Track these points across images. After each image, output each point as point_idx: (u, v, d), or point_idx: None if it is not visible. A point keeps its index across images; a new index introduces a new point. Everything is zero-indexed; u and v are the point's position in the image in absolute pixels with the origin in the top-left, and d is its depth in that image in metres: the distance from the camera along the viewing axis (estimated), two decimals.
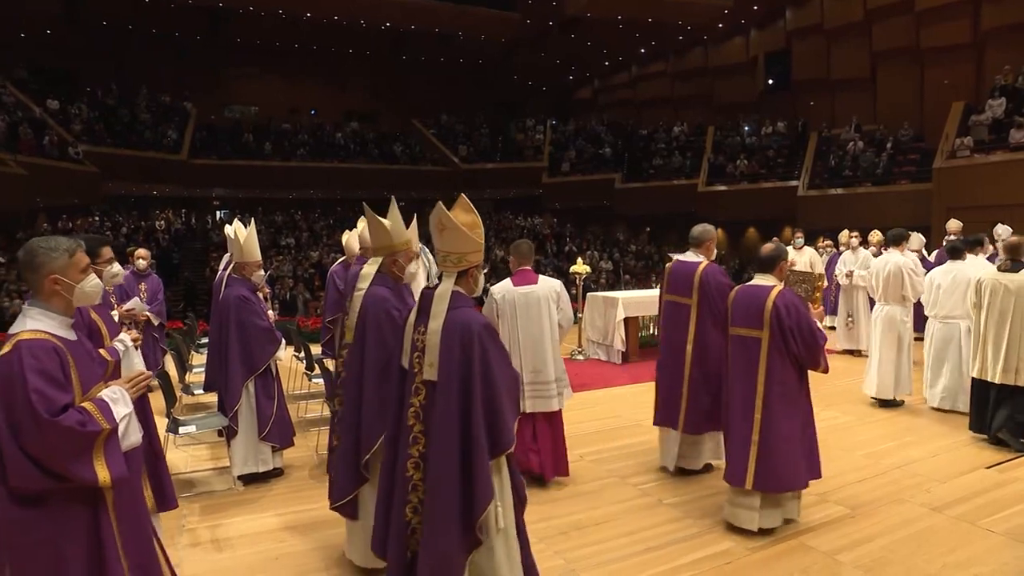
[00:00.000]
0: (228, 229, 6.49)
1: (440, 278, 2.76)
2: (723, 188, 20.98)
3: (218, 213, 25.22)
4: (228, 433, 4.77)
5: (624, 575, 3.48)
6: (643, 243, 23.30)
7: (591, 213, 24.76)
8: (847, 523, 4.00)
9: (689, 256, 4.77)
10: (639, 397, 7.29)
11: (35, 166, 16.39)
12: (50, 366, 2.11)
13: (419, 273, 5.22)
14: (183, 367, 6.37)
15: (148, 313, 6.40)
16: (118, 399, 2.28)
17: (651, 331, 10.21)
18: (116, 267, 3.92)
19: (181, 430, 4.76)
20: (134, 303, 5.88)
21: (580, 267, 9.74)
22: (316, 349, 7.10)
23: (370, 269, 3.42)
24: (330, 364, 6.42)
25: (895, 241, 6.70)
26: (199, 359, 7.61)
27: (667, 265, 4.88)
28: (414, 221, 5.17)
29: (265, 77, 25.64)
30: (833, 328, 9.61)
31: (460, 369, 2.58)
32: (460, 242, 2.68)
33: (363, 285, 3.37)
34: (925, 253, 9.89)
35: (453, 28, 23.00)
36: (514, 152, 25.46)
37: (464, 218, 2.70)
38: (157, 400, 5.99)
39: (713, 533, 3.90)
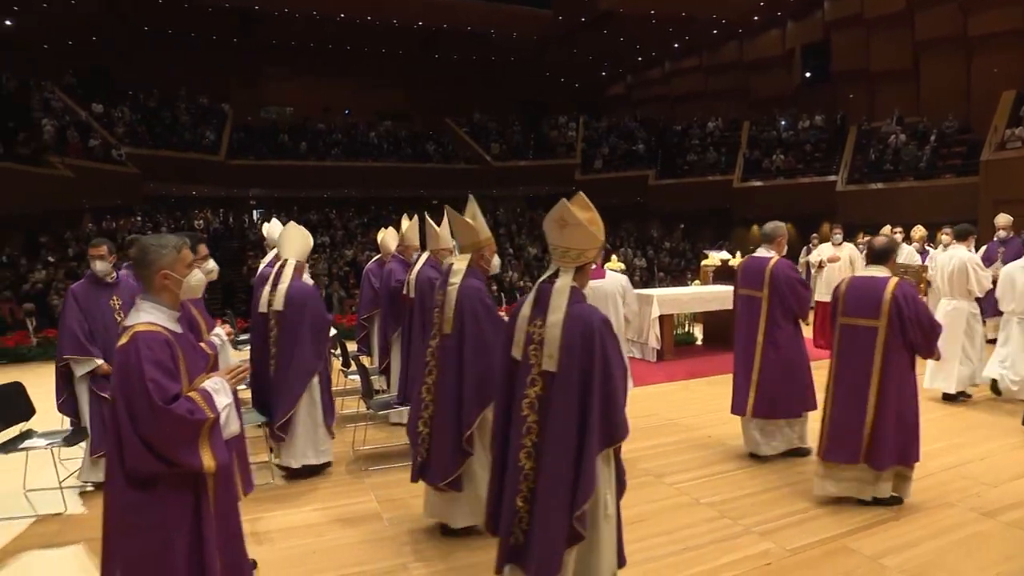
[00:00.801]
0: (266, 227, 6.58)
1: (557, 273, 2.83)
2: (759, 184, 20.62)
3: (254, 212, 25.68)
4: (284, 426, 4.81)
5: (661, 574, 3.44)
6: (677, 240, 23.04)
7: (624, 210, 24.56)
8: (891, 526, 3.89)
9: (761, 252, 5.07)
10: (674, 395, 7.21)
11: (81, 168, 16.91)
12: (163, 357, 2.26)
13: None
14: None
15: None
16: (220, 389, 2.41)
17: (686, 329, 10.11)
18: (211, 263, 4.03)
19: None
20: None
21: (615, 264, 9.66)
22: (351, 346, 7.17)
23: (461, 264, 3.69)
24: (366, 360, 6.48)
25: (961, 236, 6.71)
26: (237, 356, 7.74)
27: (740, 260, 5.16)
28: (445, 219, 5.18)
29: (300, 78, 26.02)
30: None
31: (581, 362, 2.65)
32: (581, 238, 2.74)
33: (456, 280, 3.63)
34: (972, 249, 9.55)
35: (485, 26, 23.02)
36: (547, 149, 25.40)
37: (584, 215, 2.76)
38: None
39: (752, 534, 3.83)
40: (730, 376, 5.20)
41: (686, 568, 3.47)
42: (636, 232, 23.81)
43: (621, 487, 2.87)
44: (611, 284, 4.90)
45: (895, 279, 4.06)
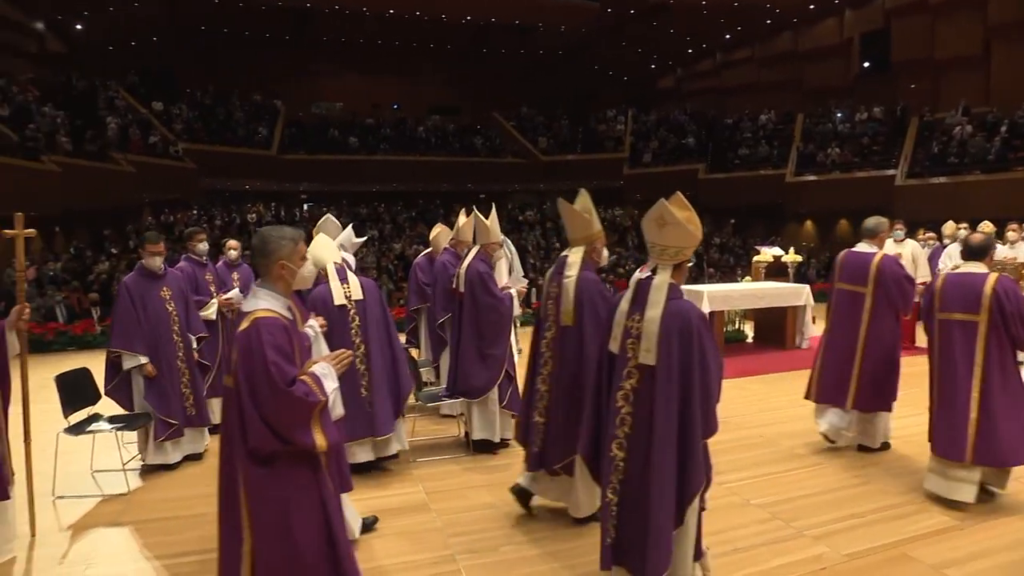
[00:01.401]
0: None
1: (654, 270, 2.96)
2: (813, 178, 20.01)
3: (304, 206, 26.23)
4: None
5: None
6: (727, 235, 22.57)
7: None
8: (956, 535, 3.74)
9: (863, 247, 5.08)
10: (725, 393, 7.04)
11: (142, 164, 17.60)
12: (282, 341, 2.39)
13: (502, 264, 5.23)
14: None
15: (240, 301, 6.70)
16: (327, 375, 2.51)
17: (736, 325, 9.91)
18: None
19: None
20: (234, 294, 6.21)
21: None
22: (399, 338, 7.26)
23: (575, 257, 3.77)
24: (414, 353, 6.55)
25: None
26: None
27: (840, 255, 5.22)
28: (492, 214, 5.18)
29: (350, 74, 26.43)
30: None
31: (680, 356, 2.77)
32: (679, 236, 2.86)
33: (572, 272, 3.71)
34: None
35: (533, 19, 22.94)
36: (595, 143, 25.20)
37: (682, 214, 2.86)
38: None
39: (805, 537, 3.73)
40: (782, 374, 5.11)
41: (735, 570, 3.40)
42: None
43: (708, 481, 2.91)
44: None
45: (995, 274, 4.09)
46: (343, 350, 2.70)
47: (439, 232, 6.79)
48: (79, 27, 20.96)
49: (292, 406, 2.34)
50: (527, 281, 4.59)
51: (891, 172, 18.19)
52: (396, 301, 13.85)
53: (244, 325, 2.40)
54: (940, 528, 3.81)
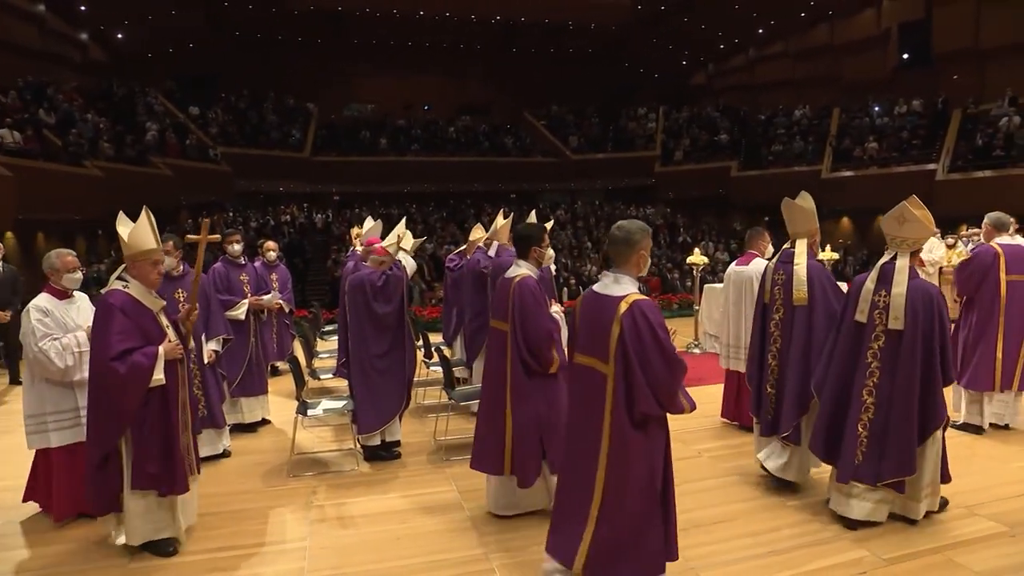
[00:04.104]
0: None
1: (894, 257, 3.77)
2: (849, 174, 19.56)
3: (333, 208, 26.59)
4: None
5: None
6: None
7: (705, 202, 23.88)
8: (1005, 542, 3.61)
9: (1006, 240, 5.50)
10: None
11: (179, 167, 18.03)
12: (662, 320, 2.83)
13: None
14: (310, 353, 6.74)
15: (280, 302, 6.81)
16: None
17: None
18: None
19: (309, 412, 5.04)
20: (268, 297, 6.32)
21: (697, 258, 9.43)
22: (435, 338, 7.31)
23: (801, 248, 4.34)
24: (448, 352, 6.58)
25: None
26: (323, 345, 8.04)
27: (993, 250, 5.50)
28: (527, 213, 5.15)
29: (381, 75, 26.69)
30: None
31: (924, 321, 3.62)
32: (916, 230, 3.72)
33: (801, 261, 4.30)
34: None
35: (563, 17, 22.90)
36: (625, 141, 25.03)
37: (919, 212, 3.70)
38: (288, 383, 6.38)
39: (843, 540, 3.65)
40: None
41: (772, 572, 3.34)
42: (717, 225, 23.12)
43: (947, 419, 3.72)
44: (752, 269, 5.36)
45: None
46: None
47: (476, 230, 6.89)
48: (120, 36, 21.56)
49: (677, 374, 2.79)
50: (558, 308, 4.67)
51: (931, 167, 17.66)
52: (428, 301, 13.94)
53: (623, 308, 2.78)
54: (986, 535, 3.69)
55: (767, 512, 4.04)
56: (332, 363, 6.49)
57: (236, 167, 20.40)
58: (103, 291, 3.60)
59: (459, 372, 6.32)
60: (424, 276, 15.62)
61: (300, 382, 5.01)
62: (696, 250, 9.84)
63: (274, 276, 7.12)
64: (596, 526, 2.86)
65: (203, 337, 4.94)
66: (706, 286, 9.41)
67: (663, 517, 2.87)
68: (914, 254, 3.78)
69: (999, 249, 5.45)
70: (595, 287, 3.00)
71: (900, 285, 3.65)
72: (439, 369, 5.94)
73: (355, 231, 7.36)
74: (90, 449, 3.51)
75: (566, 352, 3.40)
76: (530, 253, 3.95)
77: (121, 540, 3.60)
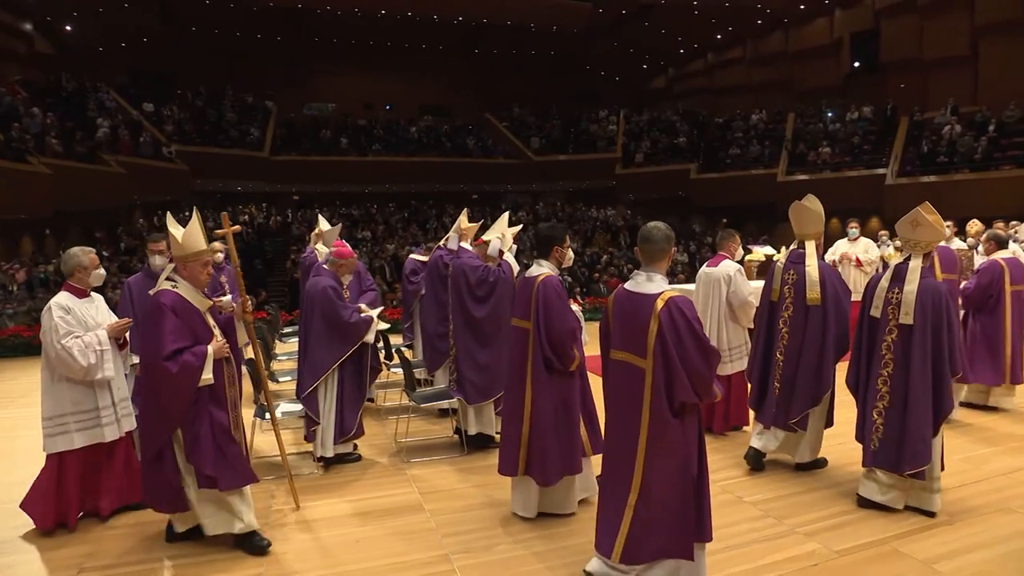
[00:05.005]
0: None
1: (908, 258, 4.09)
2: (804, 177, 20.07)
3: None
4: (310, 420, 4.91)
5: None
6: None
7: (666, 204, 24.25)
8: (946, 530, 3.78)
9: (1005, 253, 6.02)
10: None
11: (132, 165, 17.52)
12: (696, 314, 2.99)
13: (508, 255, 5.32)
14: (268, 355, 6.63)
15: (234, 304, 6.66)
16: None
17: None
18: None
19: (267, 415, 4.94)
20: (226, 300, 6.20)
21: None
22: (395, 339, 7.26)
23: (811, 249, 4.59)
24: (408, 353, 6.55)
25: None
26: (282, 348, 7.92)
27: (997, 264, 6.01)
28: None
29: (342, 75, 26.39)
30: None
31: (933, 317, 3.93)
32: (928, 233, 4.02)
33: (812, 261, 4.53)
34: None
35: (525, 20, 22.97)
36: (587, 143, 25.24)
37: (931, 217, 4.01)
38: (246, 386, 6.26)
39: (797, 534, 3.76)
40: None
41: (728, 567, 3.42)
42: (678, 227, 23.43)
43: (951, 407, 4.06)
44: (720, 270, 5.43)
45: None
46: None
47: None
48: (69, 28, 20.85)
49: (714, 367, 2.96)
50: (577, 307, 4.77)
51: (881, 171, 18.30)
52: (390, 302, 13.83)
53: (660, 305, 2.94)
54: (929, 525, 3.85)
55: (724, 509, 4.12)
56: (291, 365, 6.38)
57: (193, 166, 19.92)
58: (152, 292, 3.61)
59: (419, 373, 6.30)
60: (386, 277, 15.50)
61: (258, 385, 4.93)
62: None
63: (223, 278, 6.96)
64: (633, 513, 3.02)
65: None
66: None
67: (697, 502, 3.02)
68: (927, 256, 4.12)
69: (1003, 265, 6.04)
70: (627, 285, 3.12)
71: (912, 283, 3.95)
72: (400, 371, 5.91)
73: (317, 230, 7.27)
74: (143, 445, 3.58)
75: (585, 349, 3.86)
76: (552, 252, 4.01)
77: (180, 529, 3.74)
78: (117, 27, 20.77)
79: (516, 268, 5.23)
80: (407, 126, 25.10)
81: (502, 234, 5.25)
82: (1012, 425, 5.71)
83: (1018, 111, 16.82)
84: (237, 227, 4.26)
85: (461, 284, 5.11)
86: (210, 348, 3.54)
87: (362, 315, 4.88)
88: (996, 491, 4.29)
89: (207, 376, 3.48)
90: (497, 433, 5.28)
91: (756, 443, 4.74)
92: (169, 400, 3.44)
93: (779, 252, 10.90)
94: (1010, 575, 3.32)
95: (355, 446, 5.16)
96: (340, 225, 5.98)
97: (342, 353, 4.81)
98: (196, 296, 3.63)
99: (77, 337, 3.87)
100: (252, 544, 3.68)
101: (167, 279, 3.61)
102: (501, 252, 5.19)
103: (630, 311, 3.04)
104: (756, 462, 4.72)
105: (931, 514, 3.94)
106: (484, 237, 5.26)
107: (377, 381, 7.43)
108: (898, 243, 8.51)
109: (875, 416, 4.02)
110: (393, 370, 6.49)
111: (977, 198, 14.88)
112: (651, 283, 3.03)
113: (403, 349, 6.67)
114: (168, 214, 3.84)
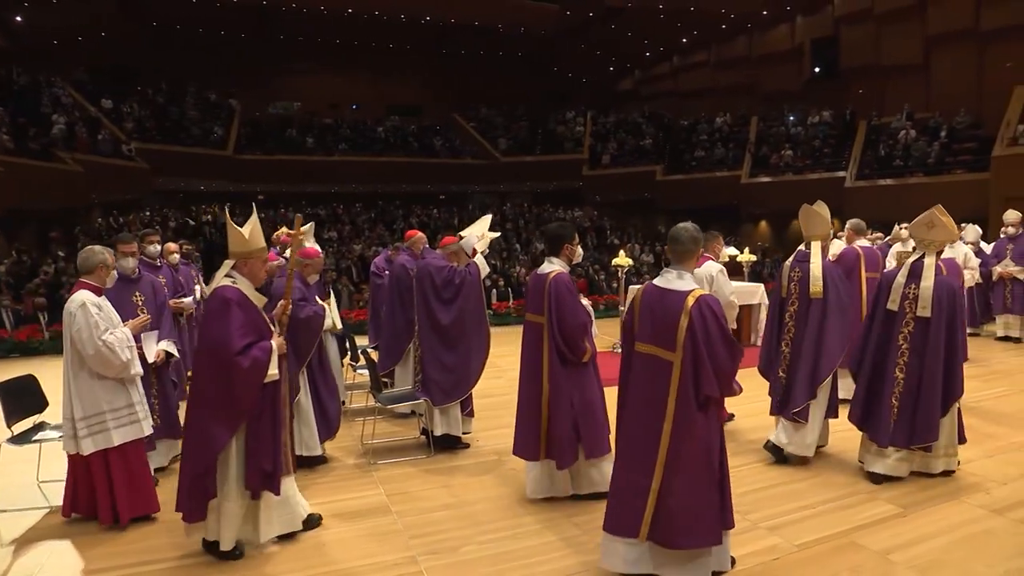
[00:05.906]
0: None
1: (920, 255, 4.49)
2: (767, 180, 20.50)
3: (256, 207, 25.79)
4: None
5: None
6: None
7: (632, 206, 24.50)
8: (899, 522, 3.90)
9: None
10: None
11: (90, 163, 17.02)
12: (724, 312, 3.16)
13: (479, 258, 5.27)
14: None
15: (193, 307, 6.53)
16: None
17: None
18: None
19: None
20: (187, 300, 6.11)
21: (622, 260, 9.66)
22: (361, 341, 7.21)
23: (816, 249, 4.83)
24: (374, 354, 6.51)
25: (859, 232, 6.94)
26: None
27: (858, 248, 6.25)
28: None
29: (307, 73, 26.05)
30: None
31: (946, 310, 4.32)
32: (942, 234, 4.45)
33: (817, 260, 4.77)
34: (983, 245, 9.54)
35: (493, 21, 22.98)
36: (554, 144, 25.35)
37: (945, 219, 4.43)
38: None
39: (759, 529, 3.84)
40: (751, 370, 5.22)
41: None
42: (643, 227, 23.75)
43: (961, 391, 4.43)
44: (703, 271, 5.46)
45: None
46: None
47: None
48: (19, 20, 20.14)
49: (737, 362, 3.13)
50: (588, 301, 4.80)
51: (841, 174, 18.75)
52: (356, 303, 13.72)
53: (690, 302, 3.06)
54: (885, 516, 3.97)
55: None
56: None
57: (153, 164, 19.44)
58: (213, 287, 3.57)
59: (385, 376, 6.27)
60: (353, 278, 15.36)
61: None
62: (621, 252, 10.08)
63: (182, 279, 6.83)
64: (658, 498, 3.13)
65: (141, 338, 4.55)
66: (630, 287, 9.64)
67: (720, 490, 3.14)
68: (939, 254, 4.51)
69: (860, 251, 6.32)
70: (657, 282, 3.26)
71: (928, 280, 4.33)
72: (366, 372, 5.88)
73: (282, 231, 7.14)
74: (199, 452, 3.44)
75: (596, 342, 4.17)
76: (562, 250, 4.18)
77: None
78: (73, 20, 20.11)
79: (485, 271, 5.20)
80: (374, 126, 24.91)
81: (482, 234, 5.23)
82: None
83: (968, 118, 17.40)
84: (311, 224, 4.32)
85: (427, 285, 5.10)
86: (274, 343, 3.55)
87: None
88: (945, 483, 4.43)
89: (273, 372, 3.49)
90: (464, 433, 5.30)
91: (773, 437, 4.91)
92: (241, 396, 3.42)
93: (743, 253, 11.12)
94: (957, 561, 3.44)
95: (322, 448, 5.11)
96: (312, 224, 5.86)
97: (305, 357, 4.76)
98: (253, 292, 3.62)
99: (112, 333, 3.84)
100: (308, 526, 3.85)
101: (226, 276, 3.58)
102: (475, 251, 5.15)
103: (660, 306, 3.17)
104: (777, 454, 4.89)
105: (930, 475, 4.46)
106: (463, 233, 5.23)
107: (344, 383, 7.40)
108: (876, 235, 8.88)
109: (893, 401, 4.38)
110: (359, 371, 6.43)
111: (930, 200, 14.97)
112: (682, 280, 3.18)
113: (369, 351, 6.63)
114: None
